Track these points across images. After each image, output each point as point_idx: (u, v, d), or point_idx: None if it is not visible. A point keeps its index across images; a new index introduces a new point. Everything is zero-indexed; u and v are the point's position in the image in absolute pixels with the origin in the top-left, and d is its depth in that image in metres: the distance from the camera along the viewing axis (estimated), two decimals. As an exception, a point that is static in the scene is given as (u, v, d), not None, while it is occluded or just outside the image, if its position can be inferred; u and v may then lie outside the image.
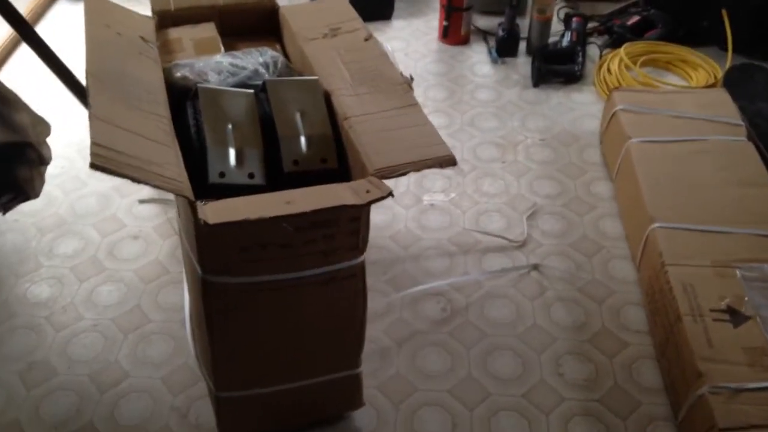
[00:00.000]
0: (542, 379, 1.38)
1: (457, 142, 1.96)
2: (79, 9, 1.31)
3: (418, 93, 2.15)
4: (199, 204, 0.90)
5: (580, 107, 2.10)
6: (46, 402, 1.33)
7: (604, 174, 1.85)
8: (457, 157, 1.91)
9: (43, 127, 1.33)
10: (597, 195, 1.79)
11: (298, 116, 1.12)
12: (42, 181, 1.35)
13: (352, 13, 1.38)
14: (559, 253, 1.64)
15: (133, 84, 1.10)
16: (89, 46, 1.11)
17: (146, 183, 0.90)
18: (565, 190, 1.80)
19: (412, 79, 1.17)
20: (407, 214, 1.74)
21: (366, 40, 1.29)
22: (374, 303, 1.50)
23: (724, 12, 2.18)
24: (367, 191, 0.91)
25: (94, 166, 0.87)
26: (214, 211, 0.87)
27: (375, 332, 1.46)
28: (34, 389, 1.35)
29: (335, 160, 1.12)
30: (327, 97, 1.17)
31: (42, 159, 1.32)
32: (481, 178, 1.85)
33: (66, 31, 2.37)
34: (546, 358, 1.42)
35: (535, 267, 1.60)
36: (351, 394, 1.27)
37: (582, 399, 1.35)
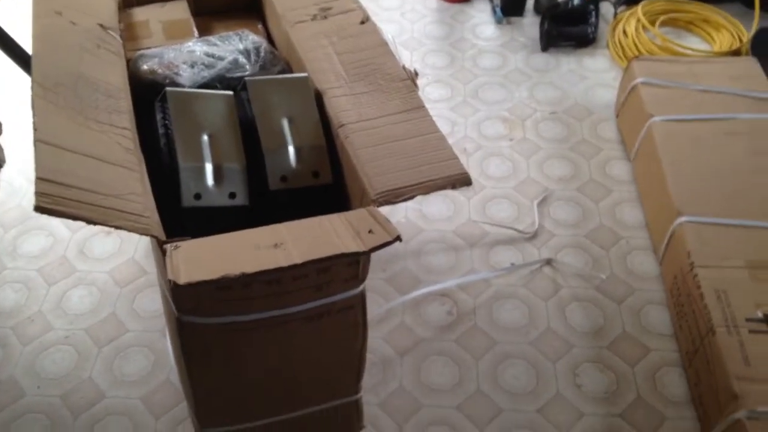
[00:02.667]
0: (558, 393, 1.26)
1: (460, 117, 1.79)
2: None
3: (416, 59, 1.97)
4: (169, 249, 0.75)
5: (593, 75, 1.93)
6: (14, 428, 1.21)
7: (621, 153, 1.70)
8: (461, 135, 1.77)
9: (-7, 126, 1.16)
10: (614, 177, 1.64)
11: (285, 123, 0.96)
12: (-3, 186, 1.20)
13: (345, -15, 1.20)
14: (573, 246, 1.50)
15: (89, 89, 0.93)
16: (37, 46, 0.94)
17: (103, 224, 0.75)
18: (578, 172, 1.65)
19: (416, 73, 1.01)
20: (407, 203, 1.58)
21: (362, 23, 1.11)
22: (373, 307, 1.37)
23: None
24: (370, 231, 0.77)
25: (39, 209, 0.72)
26: (187, 264, 0.72)
27: (375, 341, 1.33)
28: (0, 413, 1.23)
29: (329, 173, 0.97)
30: (318, 97, 1.01)
31: (-5, 162, 1.16)
32: (487, 158, 1.69)
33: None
34: (562, 368, 1.30)
35: (548, 262, 1.47)
36: (349, 420, 1.15)
37: (602, 414, 1.24)
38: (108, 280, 1.43)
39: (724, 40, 1.95)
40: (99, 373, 1.28)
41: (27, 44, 1.42)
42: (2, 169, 1.19)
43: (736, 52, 1.90)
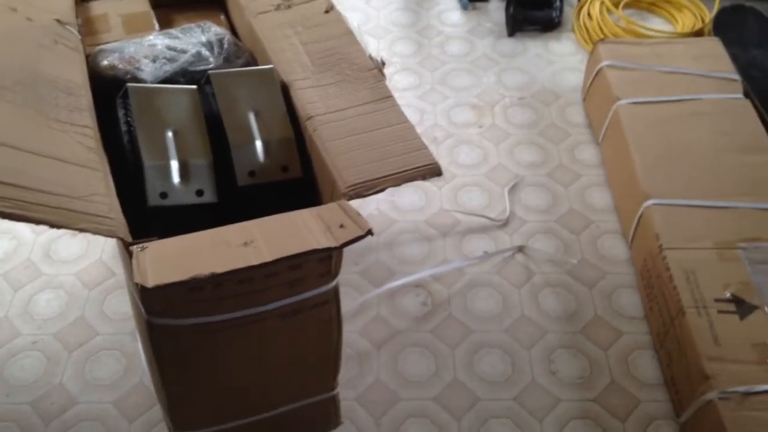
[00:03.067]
0: (534, 380, 1.27)
1: (428, 105, 1.78)
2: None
3: (383, 47, 1.96)
4: (135, 251, 0.73)
5: (559, 59, 1.93)
6: (-17, 438, 1.18)
7: (589, 137, 1.71)
8: (430, 123, 1.76)
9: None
10: (582, 161, 1.65)
11: (252, 117, 0.95)
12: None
13: (308, -26, 1.18)
14: (545, 231, 1.50)
15: (48, 86, 0.90)
16: (-11, 42, 0.91)
17: (67, 227, 0.73)
18: (548, 158, 1.66)
19: (383, 63, 0.99)
20: (379, 195, 1.57)
21: (327, 12, 1.10)
22: (348, 300, 1.36)
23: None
24: (341, 225, 0.75)
25: (0, 213, 0.69)
26: (155, 265, 0.70)
27: (350, 334, 1.32)
28: (-32, 423, 1.20)
29: (298, 167, 0.95)
30: (284, 90, 0.99)
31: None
32: (457, 146, 1.69)
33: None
34: (537, 355, 1.30)
35: (520, 249, 1.47)
36: (326, 416, 1.15)
37: (577, 399, 1.24)
38: (75, 282, 1.40)
39: (686, 21, 1.96)
40: (69, 378, 1.26)
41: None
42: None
43: (698, 33, 1.92)
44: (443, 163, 1.64)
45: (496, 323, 1.35)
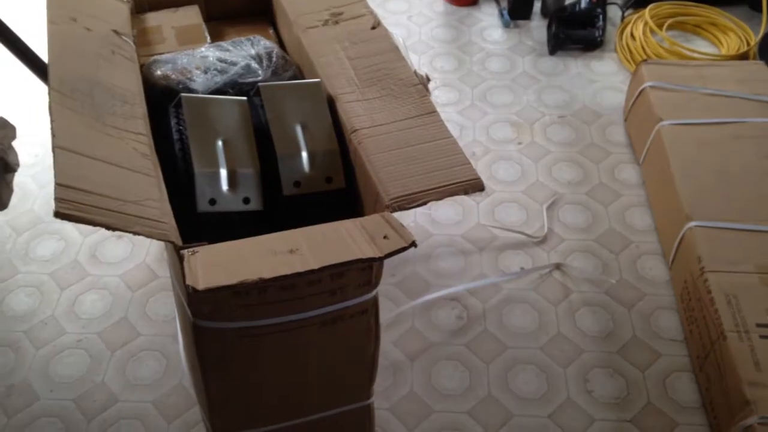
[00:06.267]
0: (569, 398, 1.26)
1: (468, 121, 1.80)
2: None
3: (424, 62, 1.98)
4: (186, 255, 0.76)
5: (601, 78, 1.93)
6: (28, 432, 1.22)
7: (630, 156, 1.70)
8: (469, 138, 1.78)
9: (7, 130, 1.17)
10: (622, 181, 1.64)
11: (298, 129, 0.97)
12: (10, 191, 1.20)
13: (356, -10, 1.21)
14: (583, 250, 1.50)
15: (105, 94, 0.94)
16: (53, 52, 0.95)
17: (123, 230, 0.76)
18: (587, 176, 1.65)
19: (428, 79, 1.01)
20: (416, 208, 1.59)
21: (373, 28, 1.12)
22: (383, 311, 1.37)
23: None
24: (385, 237, 0.77)
25: (59, 214, 0.72)
26: (205, 270, 0.73)
27: (385, 345, 1.34)
28: (14, 417, 1.24)
29: (342, 178, 0.97)
30: (330, 103, 1.02)
31: (8, 167, 1.17)
32: (496, 162, 1.69)
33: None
34: (572, 373, 1.30)
35: (558, 266, 1.47)
36: (361, 425, 1.16)
37: (613, 419, 1.24)
38: (120, 284, 1.44)
39: (731, 44, 1.95)
40: (111, 377, 1.29)
41: (35, 47, 1.44)
42: (15, 174, 1.20)
43: (743, 56, 1.90)
44: (482, 179, 1.64)
45: (531, 340, 1.35)
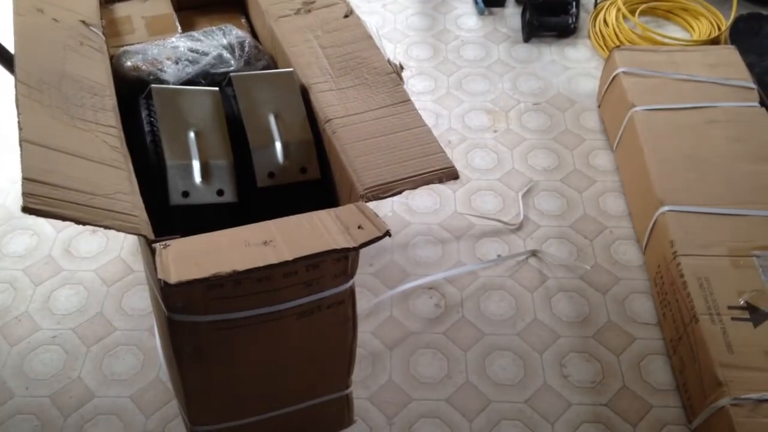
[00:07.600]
0: (546, 383, 1.28)
1: (444, 109, 1.80)
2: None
3: (400, 51, 1.97)
4: (158, 248, 0.75)
5: (575, 65, 1.94)
6: (4, 430, 1.20)
7: (604, 143, 1.71)
8: (445, 127, 1.78)
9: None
10: (597, 167, 1.66)
11: (272, 119, 0.96)
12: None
13: (328, -21, 1.20)
14: (558, 236, 1.51)
15: (74, 86, 0.92)
16: (19, 44, 0.93)
17: (93, 224, 0.75)
18: (562, 163, 1.66)
19: (401, 67, 1.01)
20: (393, 197, 1.59)
21: (346, 16, 1.11)
22: (362, 301, 1.38)
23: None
24: (359, 227, 0.77)
25: (27, 209, 0.71)
26: (177, 263, 0.72)
27: (363, 335, 1.34)
28: (-12, 414, 1.22)
29: (317, 169, 0.97)
30: (304, 92, 1.01)
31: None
32: (472, 150, 1.70)
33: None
34: (549, 358, 1.31)
35: (534, 253, 1.48)
36: (340, 415, 1.16)
37: (589, 403, 1.25)
38: (95, 278, 1.42)
39: (703, 29, 1.97)
40: (88, 373, 1.28)
41: (5, 40, 1.42)
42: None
43: (715, 41, 1.92)
44: (458, 166, 1.63)
45: (508, 326, 1.36)
